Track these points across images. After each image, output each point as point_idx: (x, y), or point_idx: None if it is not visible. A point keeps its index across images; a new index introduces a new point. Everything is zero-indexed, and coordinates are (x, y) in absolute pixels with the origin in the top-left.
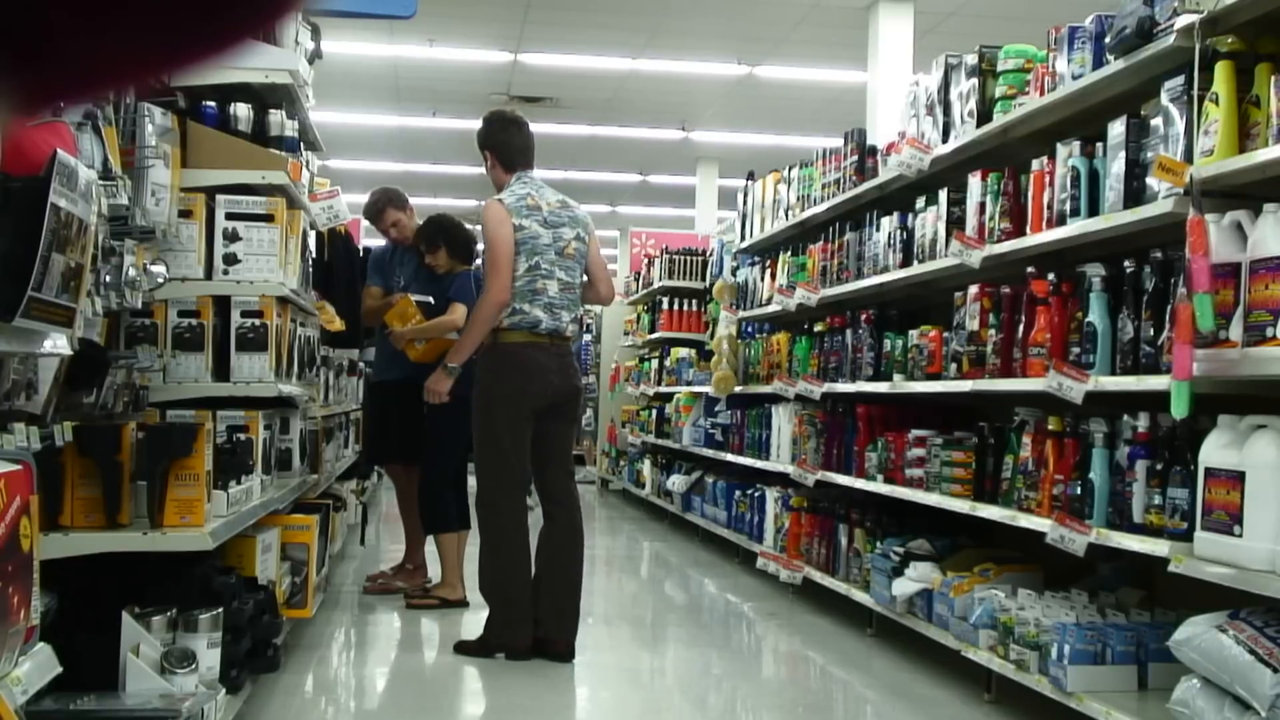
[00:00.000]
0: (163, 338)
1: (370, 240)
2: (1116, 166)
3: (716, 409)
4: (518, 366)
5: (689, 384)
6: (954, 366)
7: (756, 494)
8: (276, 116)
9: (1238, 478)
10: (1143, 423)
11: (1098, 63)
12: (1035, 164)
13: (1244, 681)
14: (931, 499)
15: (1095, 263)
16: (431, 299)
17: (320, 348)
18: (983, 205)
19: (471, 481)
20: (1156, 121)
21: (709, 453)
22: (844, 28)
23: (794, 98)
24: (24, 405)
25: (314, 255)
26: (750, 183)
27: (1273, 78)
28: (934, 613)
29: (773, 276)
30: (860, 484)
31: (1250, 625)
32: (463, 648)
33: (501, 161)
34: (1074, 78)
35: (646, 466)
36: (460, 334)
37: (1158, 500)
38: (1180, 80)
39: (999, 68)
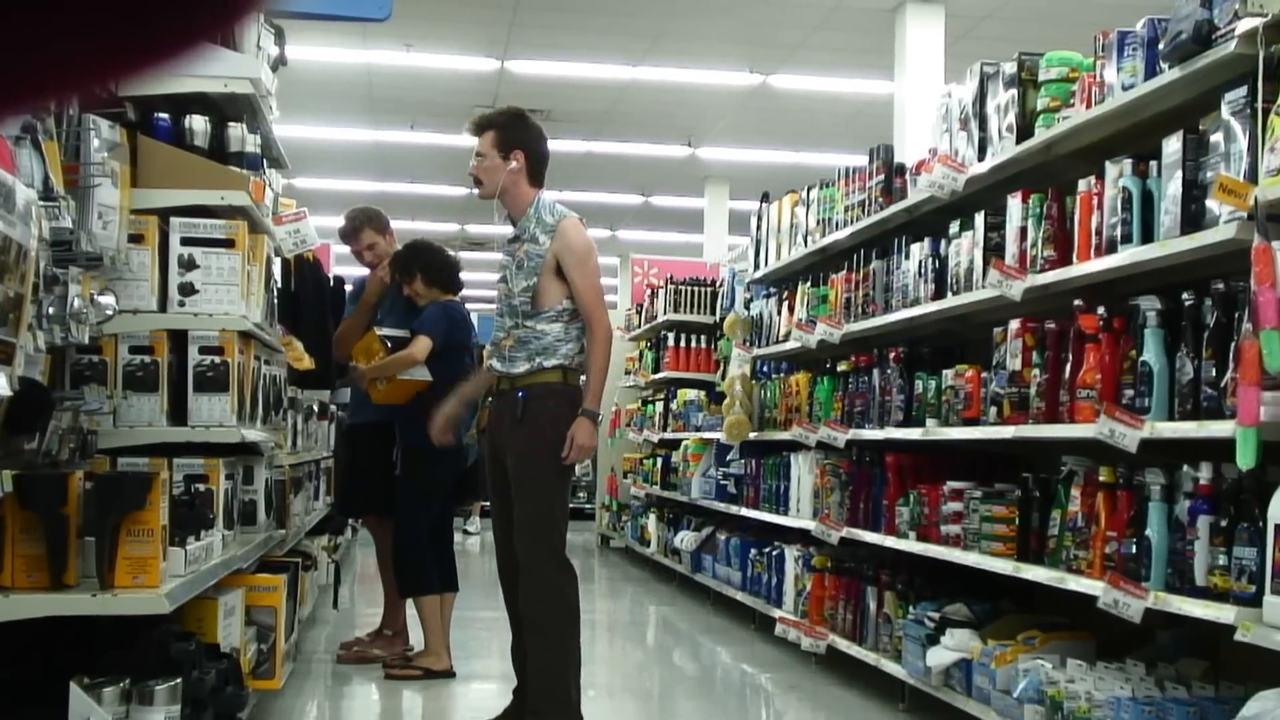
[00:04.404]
0: (112, 377)
1: (344, 268)
2: (1173, 187)
3: (729, 458)
4: (576, 413)
5: (698, 430)
6: (994, 410)
7: (774, 552)
8: (237, 130)
9: None
10: (1205, 474)
11: (1150, 72)
12: (1082, 184)
13: None
14: (970, 559)
15: (1150, 295)
16: (407, 333)
17: (287, 388)
18: (1024, 230)
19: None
20: (1217, 137)
21: (721, 506)
22: (868, 32)
23: (812, 110)
24: None
25: (279, 285)
26: (764, 205)
27: None
28: (973, 685)
29: (790, 310)
30: (890, 542)
31: None
32: None
33: (532, 171)
34: (1124, 88)
35: (651, 522)
36: (589, 378)
37: (1222, 560)
38: (1243, 91)
39: (1041, 77)
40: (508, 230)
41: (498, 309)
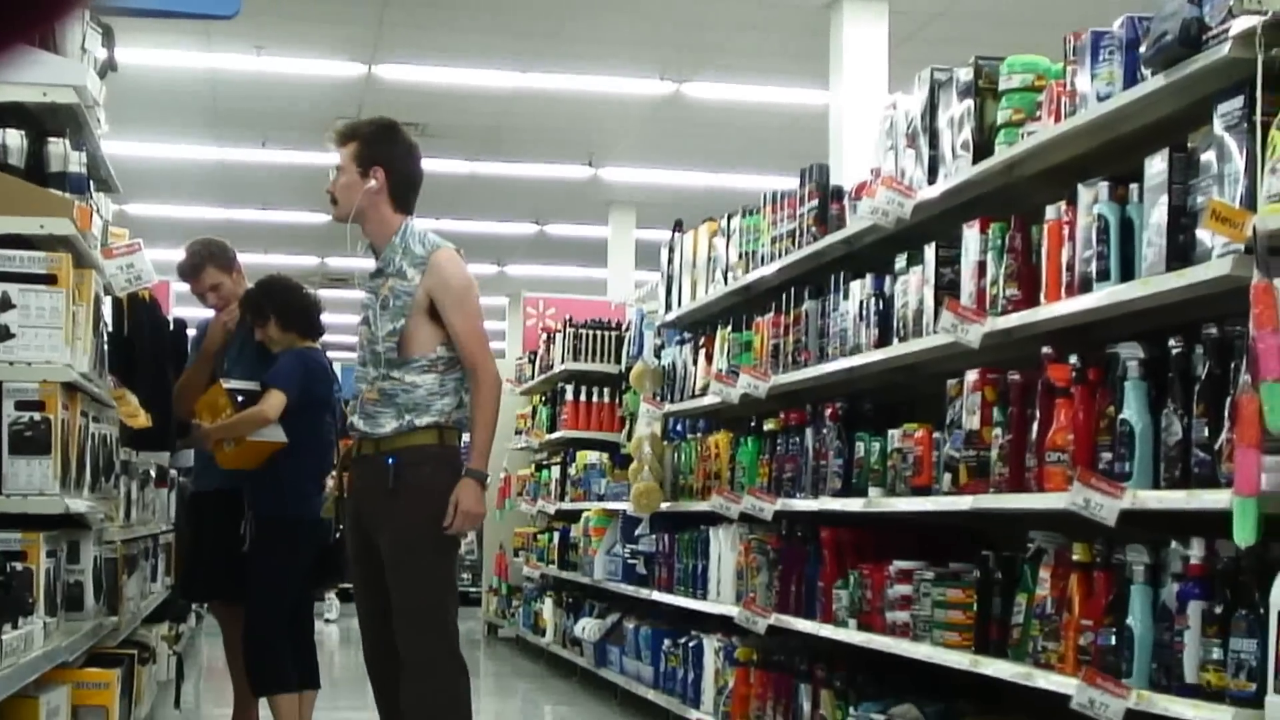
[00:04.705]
0: None
1: (186, 309)
2: (1157, 215)
3: (637, 533)
4: (457, 479)
5: (601, 499)
6: (948, 477)
7: (691, 643)
8: (58, 147)
9: None
10: (1196, 552)
11: (1130, 79)
12: (1050, 211)
13: None
14: (920, 651)
15: (1131, 342)
16: (259, 385)
17: (120, 450)
18: (982, 265)
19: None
20: (1208, 156)
21: (629, 589)
22: (799, 33)
23: (734, 124)
24: None
25: (110, 329)
26: (678, 235)
27: None
28: None
29: (708, 358)
30: (827, 631)
31: None
32: None
33: (395, 194)
34: (1100, 98)
35: (548, 607)
36: (474, 435)
37: (1217, 654)
38: (1238, 102)
39: (1001, 85)
40: (370, 264)
41: (360, 356)
